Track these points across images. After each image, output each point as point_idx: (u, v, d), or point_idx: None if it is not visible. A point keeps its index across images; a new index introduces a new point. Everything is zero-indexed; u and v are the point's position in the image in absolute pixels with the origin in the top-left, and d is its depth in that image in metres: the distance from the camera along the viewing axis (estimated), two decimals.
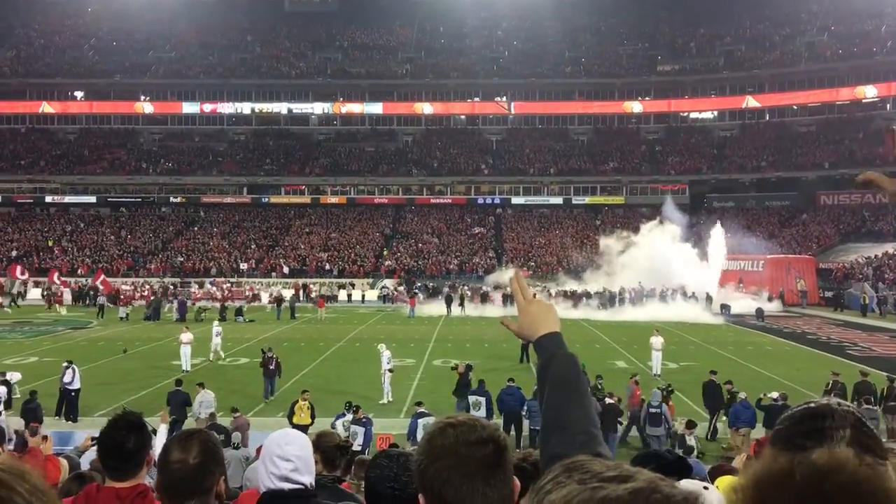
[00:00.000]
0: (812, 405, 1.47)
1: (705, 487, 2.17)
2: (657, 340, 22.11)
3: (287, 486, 2.37)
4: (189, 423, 14.43)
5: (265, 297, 43.81)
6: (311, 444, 2.62)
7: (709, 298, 38.90)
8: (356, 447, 11.92)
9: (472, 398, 15.12)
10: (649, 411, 14.45)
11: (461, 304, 39.77)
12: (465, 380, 16.67)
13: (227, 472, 7.95)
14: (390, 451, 2.59)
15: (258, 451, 6.28)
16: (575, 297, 40.83)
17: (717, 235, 44.37)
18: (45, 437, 8.19)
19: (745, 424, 14.16)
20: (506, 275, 44.47)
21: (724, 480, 4.49)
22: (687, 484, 2.20)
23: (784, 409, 13.42)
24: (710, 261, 43.31)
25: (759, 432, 13.62)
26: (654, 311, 37.28)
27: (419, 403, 14.48)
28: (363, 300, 46.00)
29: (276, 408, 17.39)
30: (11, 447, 8.92)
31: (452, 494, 1.40)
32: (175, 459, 2.26)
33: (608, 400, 14.42)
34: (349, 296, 46.32)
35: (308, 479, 2.41)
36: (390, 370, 18.61)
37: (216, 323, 25.94)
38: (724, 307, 37.77)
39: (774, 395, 14.64)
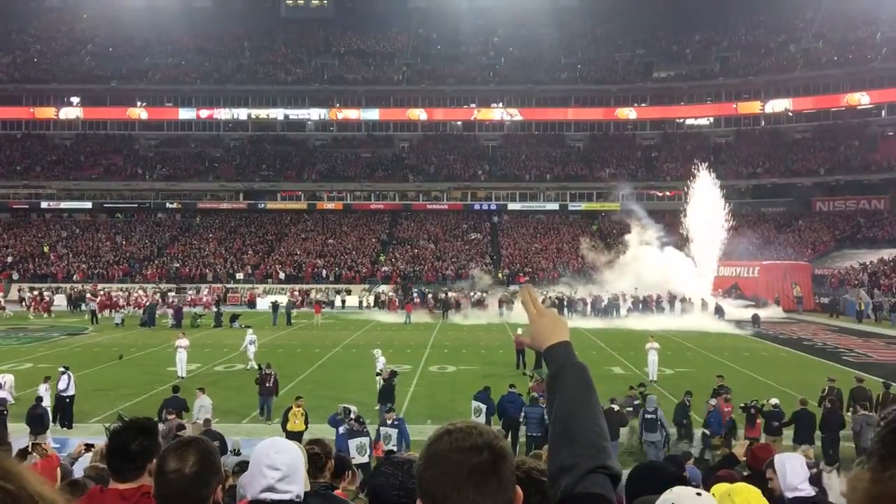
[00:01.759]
0: None
1: (698, 493, 2.17)
2: (652, 346, 22.14)
3: (270, 496, 2.29)
4: (186, 429, 14.33)
5: (261, 303, 43.69)
6: (303, 453, 2.58)
7: (704, 304, 38.99)
8: (364, 460, 11.95)
9: (474, 404, 15.16)
10: (645, 417, 14.46)
11: (443, 311, 40.42)
12: (389, 385, 16.86)
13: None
14: (395, 459, 2.57)
15: None
16: (569, 303, 40.71)
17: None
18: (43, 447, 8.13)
19: (717, 433, 14.48)
20: (483, 280, 44.99)
21: (720, 488, 4.47)
22: (679, 490, 2.20)
23: (807, 414, 13.86)
24: (701, 266, 43.38)
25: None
26: (651, 317, 37.32)
27: (391, 410, 14.61)
28: (360, 305, 45.81)
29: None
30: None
31: (443, 501, 1.40)
32: (171, 469, 2.22)
33: (614, 407, 14.36)
34: (343, 301, 46.17)
35: (297, 489, 2.34)
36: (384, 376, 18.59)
37: (250, 331, 25.34)
38: (719, 310, 37.80)
39: (774, 401, 14.71)
